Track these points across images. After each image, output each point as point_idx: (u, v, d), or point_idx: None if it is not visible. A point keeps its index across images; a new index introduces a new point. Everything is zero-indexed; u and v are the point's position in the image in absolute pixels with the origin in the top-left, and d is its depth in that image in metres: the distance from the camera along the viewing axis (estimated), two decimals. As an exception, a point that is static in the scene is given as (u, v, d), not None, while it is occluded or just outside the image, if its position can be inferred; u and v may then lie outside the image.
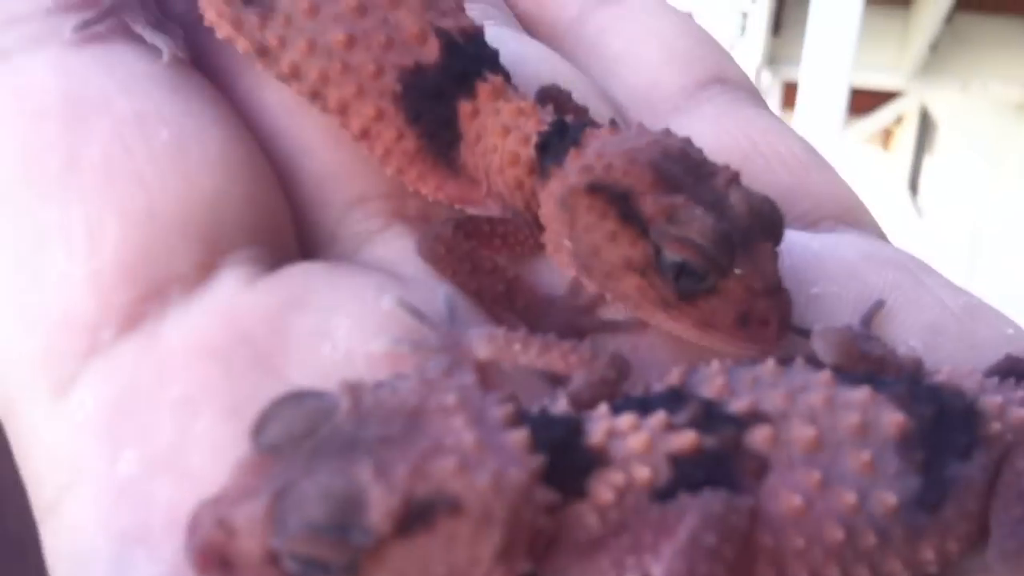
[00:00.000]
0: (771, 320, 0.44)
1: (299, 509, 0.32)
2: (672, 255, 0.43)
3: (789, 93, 5.84)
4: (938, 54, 6.38)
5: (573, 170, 0.46)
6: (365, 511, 0.32)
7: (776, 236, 0.45)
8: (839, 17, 4.67)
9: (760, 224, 0.44)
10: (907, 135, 9.16)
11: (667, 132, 0.46)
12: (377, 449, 0.33)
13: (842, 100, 4.79)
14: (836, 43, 4.68)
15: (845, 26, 4.66)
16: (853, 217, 0.54)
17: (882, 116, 7.41)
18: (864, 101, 7.59)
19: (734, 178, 0.45)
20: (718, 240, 0.43)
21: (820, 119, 4.73)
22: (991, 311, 0.49)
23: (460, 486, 0.33)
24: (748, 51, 7.17)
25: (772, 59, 6.82)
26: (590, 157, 0.46)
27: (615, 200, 0.44)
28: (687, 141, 0.46)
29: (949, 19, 6.03)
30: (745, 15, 8.25)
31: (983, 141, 6.98)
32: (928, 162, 8.32)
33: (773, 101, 6.41)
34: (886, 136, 9.70)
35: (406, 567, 0.33)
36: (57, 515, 0.38)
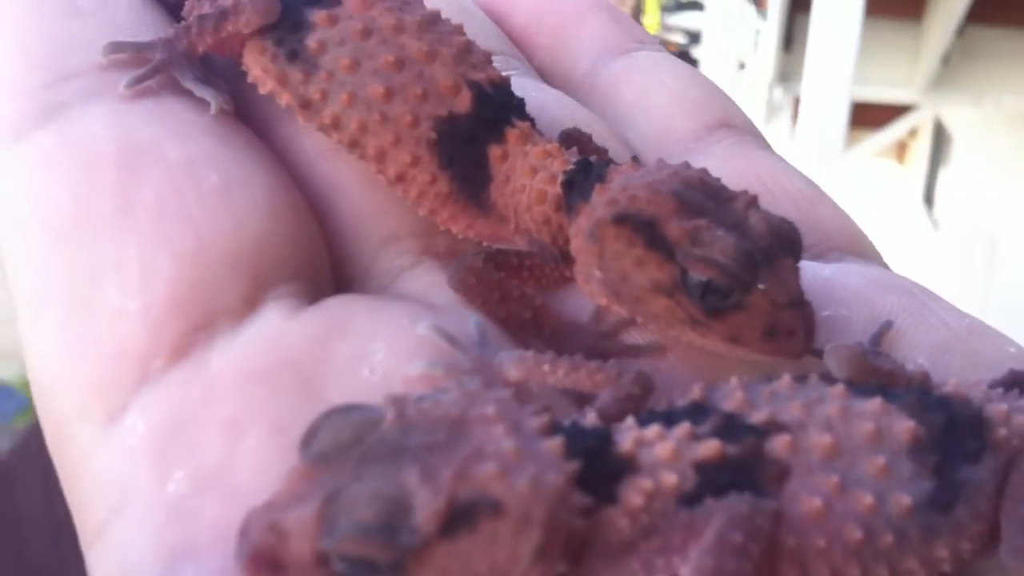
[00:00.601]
0: (797, 331, 0.46)
1: (349, 512, 0.34)
2: (697, 275, 0.46)
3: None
4: (950, 68, 6.37)
5: (599, 204, 0.49)
6: (412, 513, 0.34)
7: (796, 253, 0.47)
8: (839, 32, 4.68)
9: (780, 242, 0.47)
10: (922, 148, 9.13)
11: (686, 165, 0.49)
12: (422, 455, 0.36)
13: (843, 115, 4.79)
14: (836, 58, 4.69)
15: (845, 41, 4.67)
16: (858, 249, 0.57)
17: (895, 129, 7.38)
18: (878, 115, 7.58)
19: (752, 201, 0.47)
20: (740, 258, 0.45)
21: (822, 134, 4.74)
22: (993, 331, 0.52)
23: (501, 489, 0.35)
24: (761, 68, 7.18)
25: (783, 75, 6.83)
26: (615, 191, 0.48)
27: (640, 228, 0.47)
28: (705, 171, 0.49)
29: (960, 32, 6.02)
30: (758, 32, 8.28)
31: (998, 153, 6.95)
32: (943, 175, 8.30)
33: (784, 117, 6.41)
34: (901, 149, 9.67)
35: (450, 566, 0.35)
36: (106, 537, 0.40)
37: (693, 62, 7.22)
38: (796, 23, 6.49)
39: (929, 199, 8.74)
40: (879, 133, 7.42)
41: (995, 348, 0.50)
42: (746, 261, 0.45)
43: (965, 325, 0.51)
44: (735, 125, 0.61)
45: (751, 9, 7.21)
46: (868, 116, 8.11)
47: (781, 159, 0.60)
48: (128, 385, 0.41)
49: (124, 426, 0.41)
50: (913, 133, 8.95)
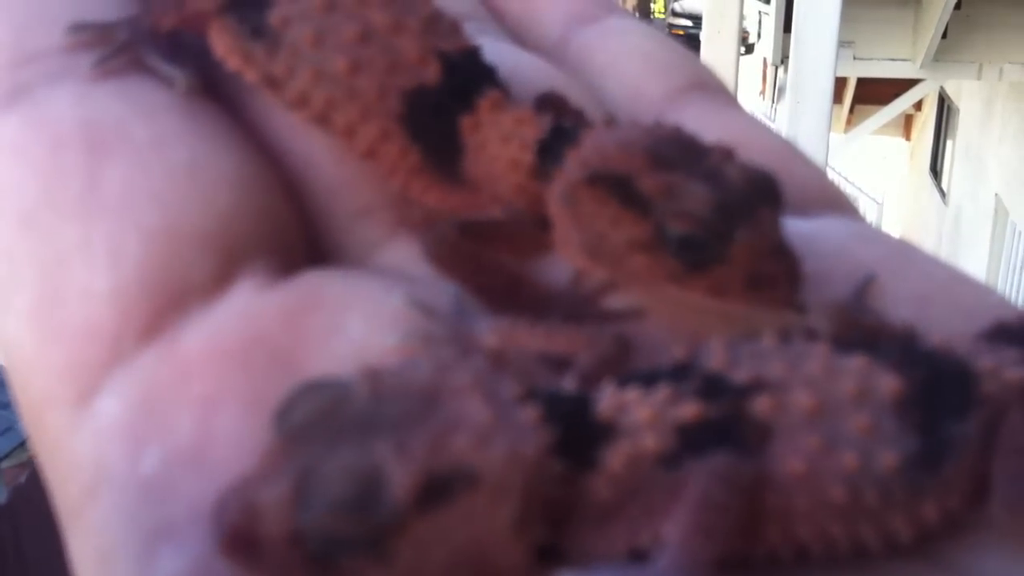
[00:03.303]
0: (780, 279, 0.45)
1: (322, 489, 0.34)
2: (674, 229, 0.45)
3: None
4: (950, 42, 6.39)
5: (572, 166, 0.48)
6: (386, 488, 0.34)
7: (776, 203, 0.46)
8: (821, 10, 4.69)
9: (758, 192, 0.46)
10: (927, 122, 9.14)
11: (658, 123, 0.48)
12: (396, 428, 0.35)
13: (827, 91, 4.79)
14: (819, 36, 4.70)
15: (826, 19, 4.68)
16: (837, 204, 0.56)
17: (899, 104, 7.40)
18: (883, 91, 7.60)
19: (728, 154, 0.47)
20: (717, 209, 0.45)
21: (809, 112, 4.75)
22: (975, 282, 0.51)
23: (477, 460, 0.35)
24: (765, 50, 7.18)
25: (785, 57, 6.85)
26: (587, 152, 0.48)
27: (614, 186, 0.46)
28: (678, 127, 0.48)
29: (958, 6, 6.03)
30: (761, 13, 8.31)
31: (1003, 123, 6.98)
32: (950, 147, 8.32)
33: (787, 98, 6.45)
34: (907, 125, 9.68)
35: (429, 540, 0.35)
36: (83, 520, 0.39)
37: (698, 44, 7.22)
38: (794, 5, 6.53)
39: (936, 171, 8.75)
40: (883, 110, 7.45)
41: (978, 297, 0.49)
42: (723, 212, 0.45)
43: (947, 275, 0.51)
44: (707, 86, 0.61)
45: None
46: (873, 93, 8.13)
47: (755, 119, 0.59)
48: (100, 366, 0.41)
49: (97, 407, 0.40)
50: (918, 107, 8.97)
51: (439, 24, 0.53)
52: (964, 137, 7.96)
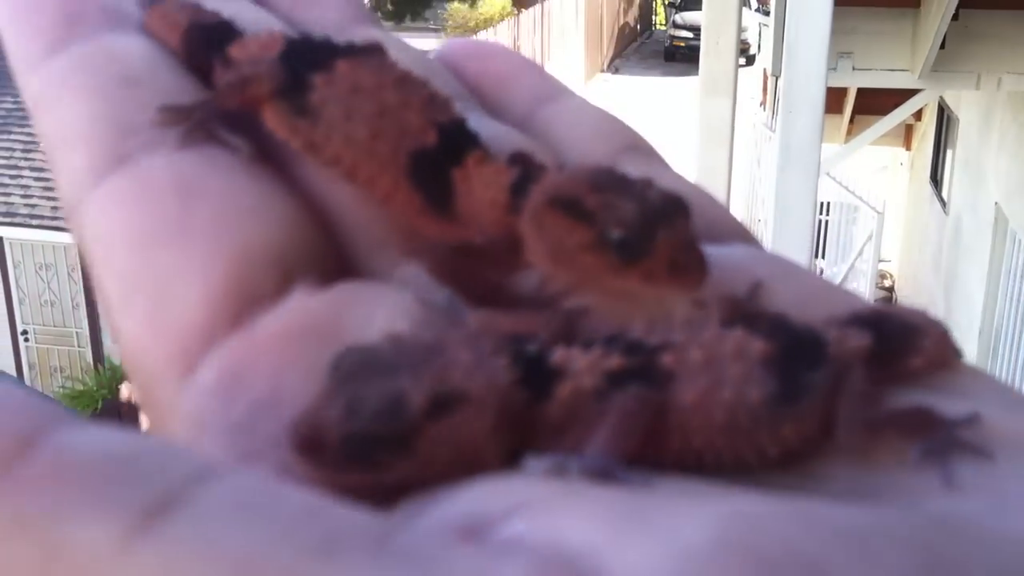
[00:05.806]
0: (692, 265, 0.60)
1: (364, 408, 0.50)
2: (612, 233, 0.59)
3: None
4: (948, 52, 6.38)
5: (536, 196, 0.63)
6: (408, 405, 0.50)
7: (686, 214, 0.60)
8: (811, 21, 4.67)
9: (673, 206, 0.60)
10: (927, 132, 9.13)
11: (597, 166, 0.64)
12: (412, 369, 0.52)
13: (819, 101, 4.78)
14: (810, 45, 4.69)
15: (817, 28, 4.66)
16: (743, 236, 0.69)
17: (899, 114, 7.40)
18: (882, 101, 7.62)
19: (649, 184, 0.62)
20: (643, 217, 0.59)
21: (801, 121, 4.73)
22: (846, 290, 0.65)
23: (466, 387, 0.51)
24: (765, 61, 7.22)
25: (780, 69, 6.81)
26: (546, 185, 0.63)
27: (567, 206, 0.62)
28: (611, 167, 0.64)
29: (955, 17, 6.03)
30: (761, 25, 8.37)
31: (1002, 133, 6.95)
32: (950, 157, 8.31)
33: (780, 107, 6.44)
34: (907, 134, 9.67)
35: (437, 440, 0.50)
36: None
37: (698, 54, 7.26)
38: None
39: (936, 180, 8.74)
40: (883, 120, 7.41)
41: (845, 300, 0.62)
42: (648, 219, 0.59)
43: (822, 285, 0.64)
44: (640, 148, 0.74)
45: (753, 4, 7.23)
46: (873, 103, 8.12)
47: (676, 173, 0.72)
48: (197, 351, 0.53)
49: (196, 378, 0.53)
50: (918, 117, 8.92)
51: (436, 101, 0.68)
52: (964, 147, 7.92)
